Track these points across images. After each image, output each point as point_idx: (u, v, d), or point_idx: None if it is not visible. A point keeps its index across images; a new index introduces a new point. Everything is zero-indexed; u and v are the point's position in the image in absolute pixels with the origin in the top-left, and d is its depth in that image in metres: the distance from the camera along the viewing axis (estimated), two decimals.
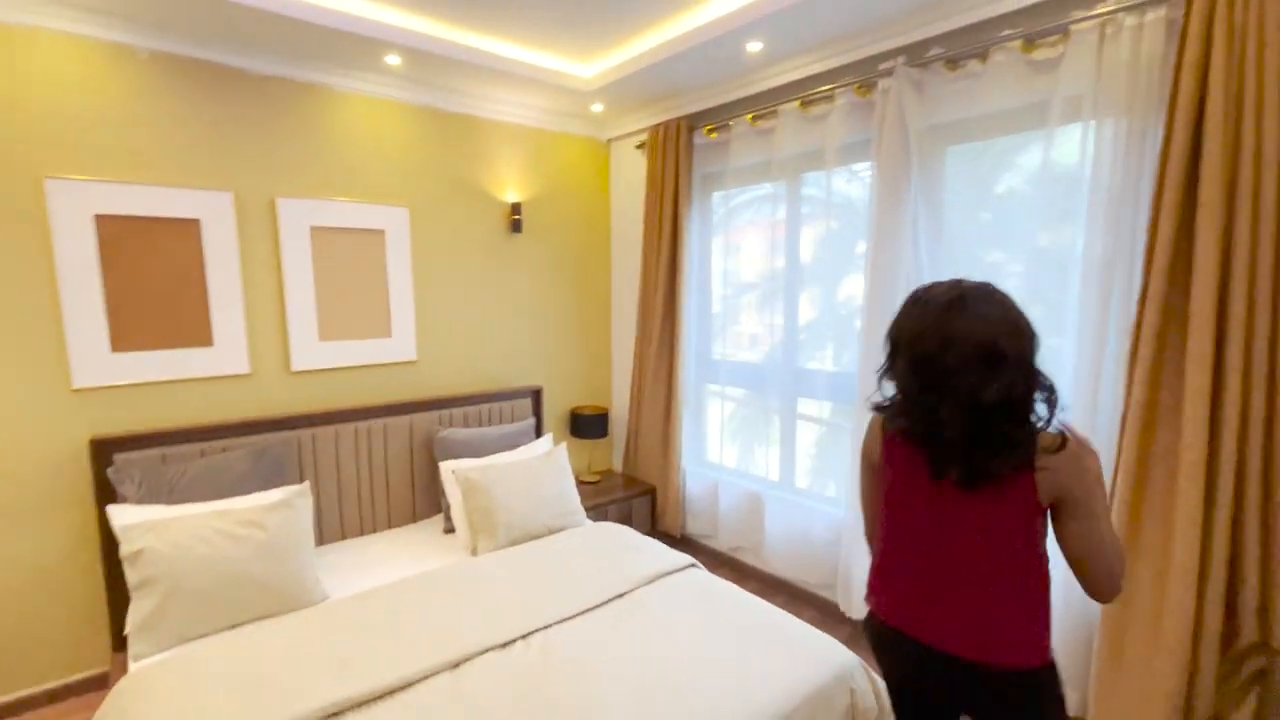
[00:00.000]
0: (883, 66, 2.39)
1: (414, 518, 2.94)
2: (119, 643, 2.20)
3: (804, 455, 3.09)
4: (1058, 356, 2.04)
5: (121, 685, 1.69)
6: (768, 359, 3.11)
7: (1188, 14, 1.69)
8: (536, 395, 3.41)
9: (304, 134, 2.68)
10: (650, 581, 2.23)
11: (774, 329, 3.04)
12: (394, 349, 2.99)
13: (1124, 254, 1.91)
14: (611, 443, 3.96)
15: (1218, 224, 1.65)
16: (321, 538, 2.63)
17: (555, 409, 3.68)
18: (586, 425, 3.62)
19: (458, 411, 3.07)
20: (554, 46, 2.84)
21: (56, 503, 2.25)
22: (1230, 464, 1.67)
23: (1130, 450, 1.82)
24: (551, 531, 2.66)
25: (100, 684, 2.34)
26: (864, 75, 2.49)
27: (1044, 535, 1.18)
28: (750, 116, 2.93)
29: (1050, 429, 1.13)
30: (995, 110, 2.20)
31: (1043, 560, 1.18)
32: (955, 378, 1.10)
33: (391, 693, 1.62)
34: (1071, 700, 2.02)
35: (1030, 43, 2.05)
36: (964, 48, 2.19)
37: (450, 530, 2.77)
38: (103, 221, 2.26)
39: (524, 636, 1.88)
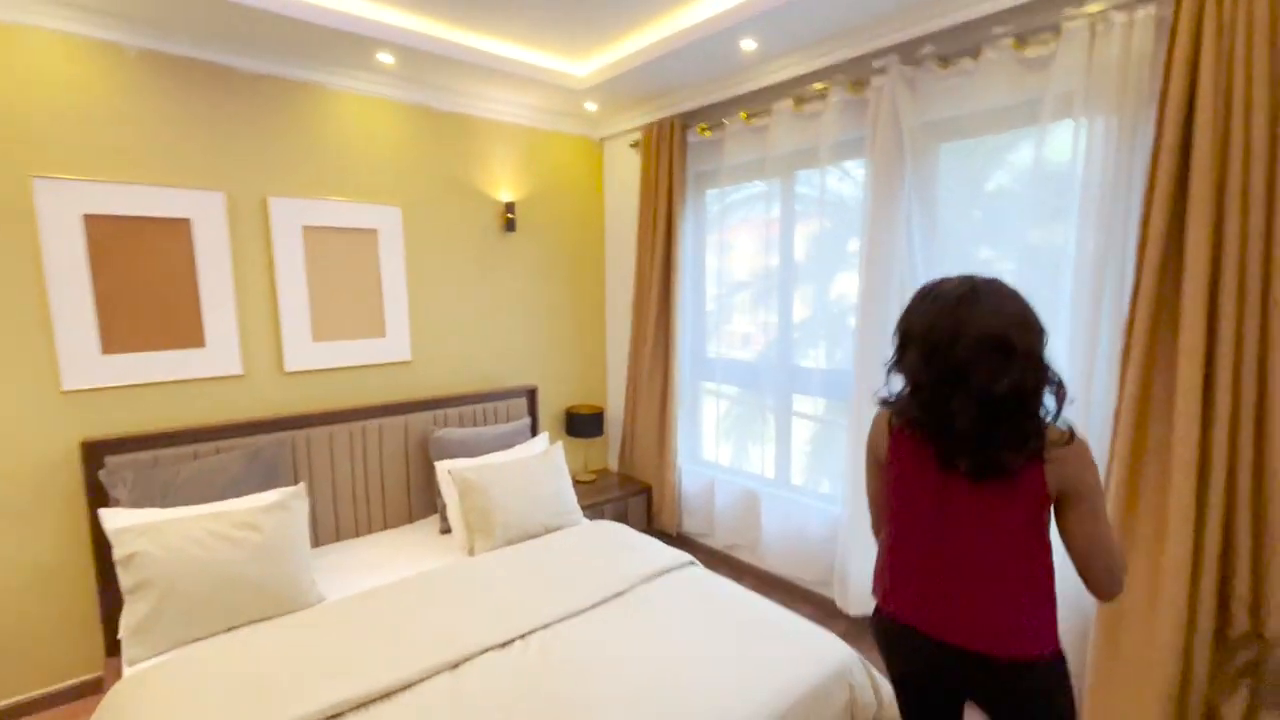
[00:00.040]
0: (876, 64, 2.40)
1: (410, 518, 2.92)
2: (112, 647, 2.18)
3: (799, 452, 3.10)
4: (1050, 353, 2.05)
5: (117, 689, 1.67)
6: (762, 356, 3.11)
7: (1177, 12, 1.71)
8: (532, 395, 3.40)
9: (296, 133, 2.66)
10: (648, 579, 2.23)
11: (768, 326, 3.05)
12: (388, 349, 2.97)
13: (1115, 250, 1.93)
14: (607, 442, 3.96)
15: (1208, 219, 1.67)
16: (317, 539, 2.61)
17: (550, 408, 3.67)
18: (582, 424, 3.62)
19: (453, 411, 3.06)
20: (547, 45, 2.83)
21: (47, 506, 2.22)
22: (1222, 457, 1.69)
23: (1124, 445, 1.84)
24: (549, 531, 2.65)
25: (94, 689, 2.31)
26: (857, 73, 2.50)
27: (1049, 526, 1.19)
28: (744, 114, 2.93)
29: (1058, 423, 1.14)
30: (988, 108, 2.21)
31: (1048, 550, 1.19)
32: (967, 369, 1.11)
33: (391, 694, 1.61)
34: None
35: (1022, 40, 2.07)
36: (956, 45, 2.21)
37: (447, 530, 2.76)
38: (92, 221, 2.24)
39: (523, 636, 1.88)
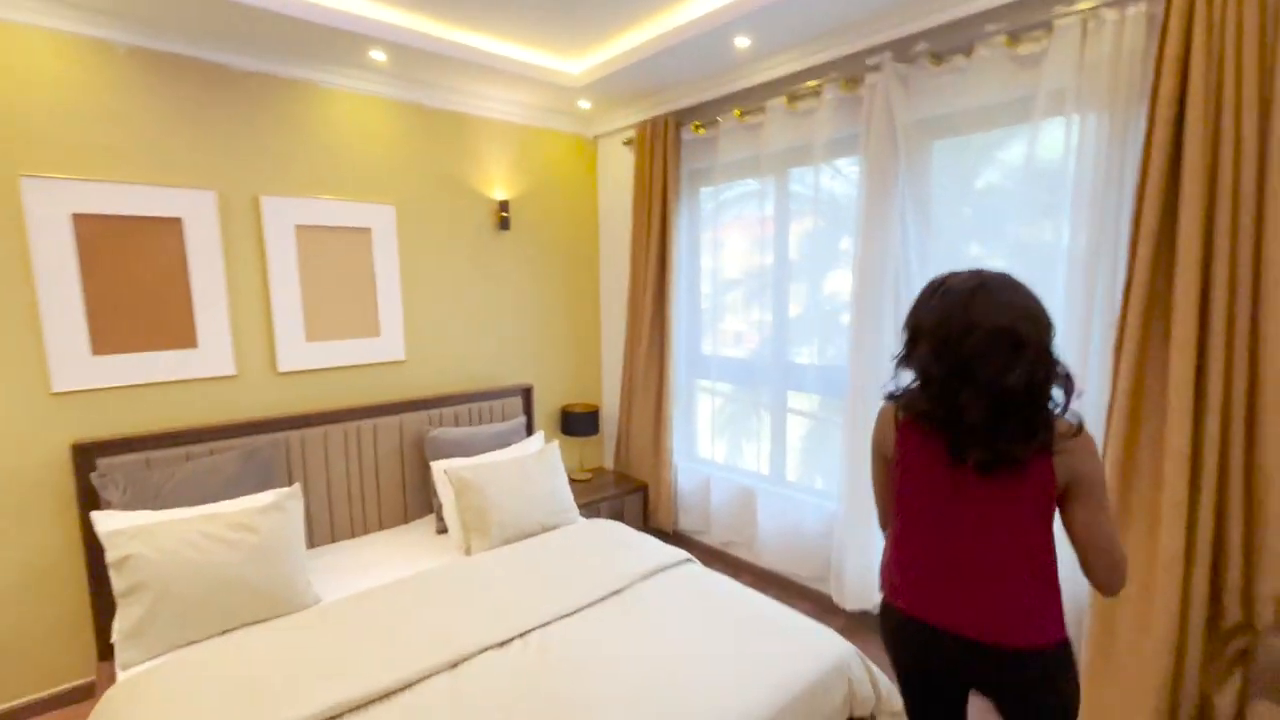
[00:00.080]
0: (870, 61, 2.40)
1: (405, 519, 2.91)
2: (105, 651, 2.16)
3: (795, 449, 3.11)
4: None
5: (111, 693, 1.65)
6: (757, 354, 3.12)
7: (1168, 9, 1.73)
8: (527, 393, 3.39)
9: (288, 131, 2.63)
10: (646, 577, 2.23)
11: (763, 324, 3.06)
12: (382, 348, 2.96)
13: (1108, 246, 1.95)
14: (602, 440, 3.96)
15: (1199, 215, 1.69)
16: (312, 540, 2.59)
17: (545, 407, 3.66)
18: (577, 423, 3.61)
19: (448, 411, 3.05)
20: (541, 42, 2.82)
21: (37, 509, 2.19)
22: (1214, 449, 1.71)
23: (1117, 439, 1.86)
24: (545, 529, 2.65)
25: (86, 694, 2.29)
26: (851, 70, 2.51)
27: (1055, 518, 1.21)
28: (738, 112, 2.93)
29: (1066, 415, 1.16)
30: (981, 105, 2.23)
31: (1053, 541, 1.21)
32: (978, 362, 1.12)
33: (390, 695, 1.61)
34: None
35: (1014, 38, 2.08)
36: (949, 42, 2.22)
37: (443, 530, 2.75)
38: (81, 221, 2.21)
39: (522, 635, 1.87)
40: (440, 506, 2.72)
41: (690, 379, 3.50)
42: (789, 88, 2.74)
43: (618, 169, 3.65)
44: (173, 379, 2.42)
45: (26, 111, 2.11)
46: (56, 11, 2.11)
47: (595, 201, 3.83)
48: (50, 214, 2.15)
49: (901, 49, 2.35)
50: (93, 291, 2.25)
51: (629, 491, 3.50)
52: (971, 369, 1.13)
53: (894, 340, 2.48)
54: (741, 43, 2.61)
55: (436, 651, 1.75)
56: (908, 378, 1.30)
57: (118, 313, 2.30)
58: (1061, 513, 1.20)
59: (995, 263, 2.27)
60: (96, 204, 2.23)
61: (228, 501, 2.19)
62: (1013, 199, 2.21)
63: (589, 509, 3.20)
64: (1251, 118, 1.62)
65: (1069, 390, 1.16)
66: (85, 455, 2.17)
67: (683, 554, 2.41)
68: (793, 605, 2.12)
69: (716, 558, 3.32)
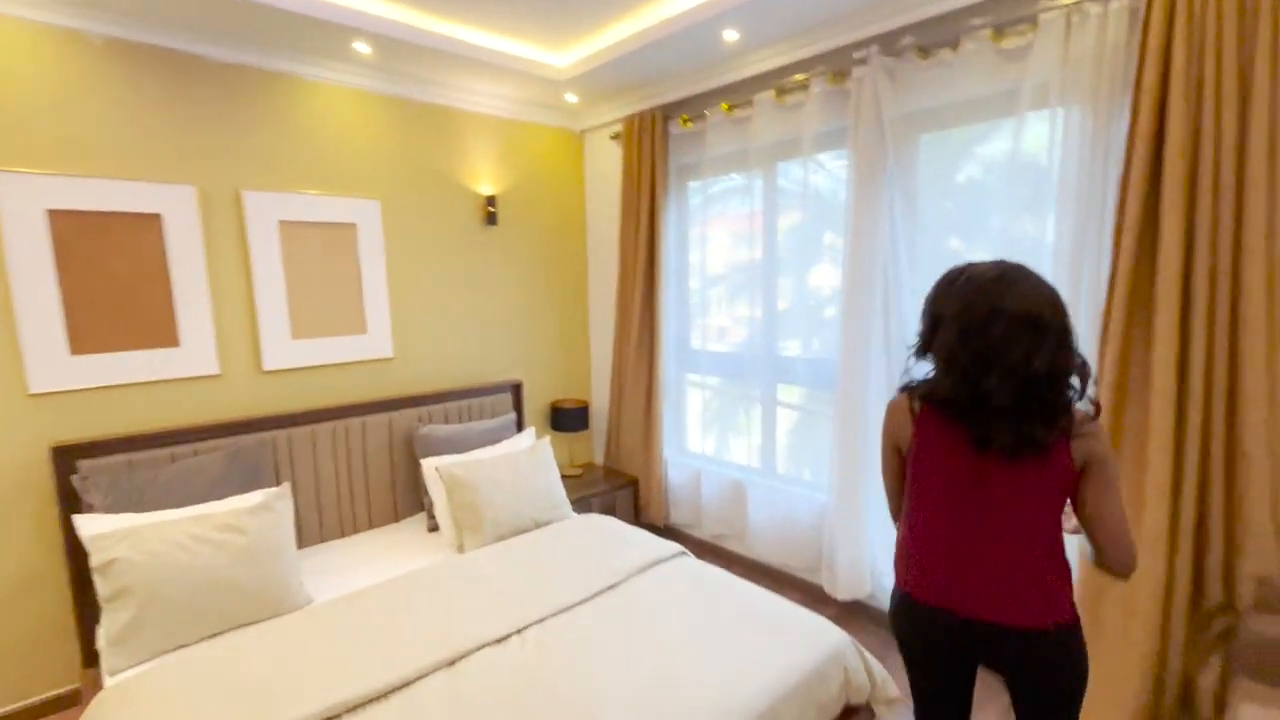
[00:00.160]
0: (857, 55, 2.41)
1: (396, 517, 2.88)
2: (89, 658, 2.12)
3: (785, 441, 3.13)
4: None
5: (101, 699, 1.62)
6: (747, 347, 3.13)
7: (1149, 3, 1.76)
8: (517, 390, 3.38)
9: (270, 125, 2.58)
10: (641, 571, 2.24)
11: (752, 317, 3.07)
12: (369, 345, 2.92)
13: (1092, 237, 1.98)
14: (592, 435, 3.95)
15: (1181, 206, 1.73)
16: (301, 540, 2.55)
17: (534, 403, 3.65)
18: (567, 419, 3.60)
19: (437, 408, 3.02)
20: (527, 35, 2.79)
21: (16, 513, 2.14)
22: (1196, 436, 1.75)
23: (1103, 426, 1.89)
24: (539, 525, 2.64)
25: (71, 702, 2.24)
26: (838, 64, 2.52)
27: (1066, 501, 1.25)
28: (726, 106, 2.93)
29: (1082, 400, 1.19)
30: (967, 98, 2.25)
31: (1061, 524, 1.25)
32: (1004, 348, 1.15)
33: (388, 694, 1.59)
34: None
35: (999, 32, 2.10)
36: (936, 36, 2.24)
37: (434, 528, 2.72)
38: (56, 217, 2.15)
39: (519, 631, 1.87)
40: (431, 504, 2.70)
41: (680, 373, 3.50)
42: (777, 81, 2.75)
43: (605, 163, 3.63)
44: (154, 379, 2.37)
45: None
46: (29, 1, 2.04)
47: (583, 196, 3.81)
48: (24, 210, 2.09)
49: (888, 43, 2.36)
50: (70, 290, 2.19)
51: (620, 486, 3.50)
52: (997, 354, 1.15)
53: (883, 332, 2.52)
54: (730, 36, 2.60)
55: (434, 649, 1.74)
56: (921, 370, 1.32)
57: (96, 311, 2.24)
58: (1074, 496, 1.23)
59: (981, 254, 2.30)
60: (72, 199, 2.17)
61: (215, 502, 2.15)
62: (998, 192, 2.24)
63: (580, 504, 3.19)
64: (1231, 108, 1.66)
65: (1084, 376, 1.19)
66: (65, 458, 2.12)
67: (676, 547, 2.42)
68: (785, 596, 2.14)
69: (708, 551, 3.34)
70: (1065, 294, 1.96)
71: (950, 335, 1.21)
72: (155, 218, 2.33)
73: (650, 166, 3.22)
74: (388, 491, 2.85)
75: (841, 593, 2.68)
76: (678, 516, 3.53)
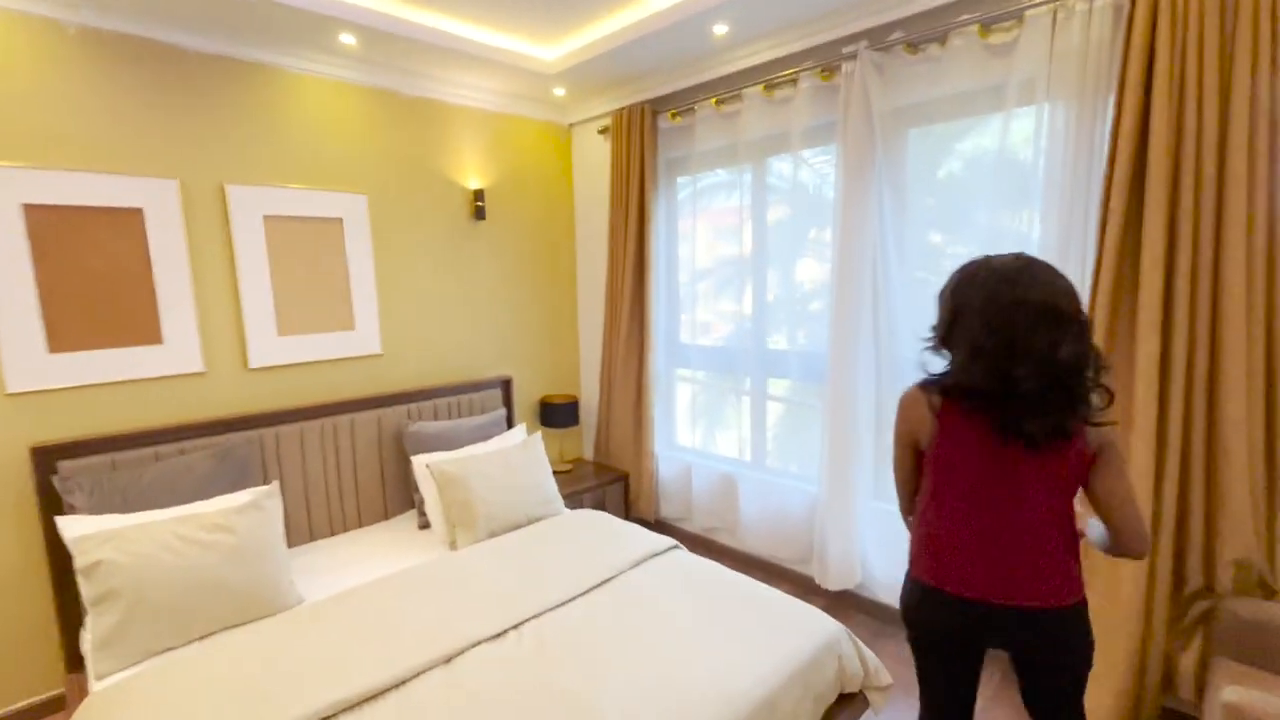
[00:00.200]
0: (846, 50, 2.43)
1: (386, 515, 2.86)
2: (74, 663, 2.08)
3: (774, 434, 3.16)
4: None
5: (89, 703, 1.58)
6: (736, 341, 3.15)
7: (1134, 1, 1.79)
8: (506, 385, 3.36)
9: (254, 118, 2.53)
10: (635, 565, 2.24)
11: (741, 311, 3.08)
12: (357, 342, 2.89)
13: (1077, 231, 2.02)
14: (582, 431, 3.95)
15: (1164, 200, 1.76)
16: (290, 540, 2.52)
17: (524, 398, 3.63)
18: (556, 414, 3.59)
19: (426, 404, 3.00)
20: (515, 28, 2.77)
21: None
22: (1178, 427, 1.80)
23: None
24: (531, 521, 2.63)
25: (56, 707, 2.20)
26: (827, 58, 2.53)
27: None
28: (714, 100, 2.94)
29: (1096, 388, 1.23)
30: (955, 93, 2.28)
31: (1074, 505, 1.30)
32: (1029, 336, 1.18)
33: (385, 692, 1.58)
34: None
35: (986, 27, 2.13)
36: (924, 31, 2.26)
37: (425, 526, 2.71)
38: (32, 211, 2.09)
39: (516, 626, 1.87)
40: (421, 501, 2.68)
41: (669, 368, 3.51)
42: (766, 76, 2.75)
43: (594, 157, 3.62)
44: (137, 377, 2.32)
45: None
46: None
47: (571, 190, 3.79)
48: None
49: (877, 37, 2.38)
50: (47, 286, 2.13)
51: (610, 481, 3.50)
52: (1024, 343, 1.18)
53: (871, 325, 2.54)
54: (719, 30, 2.60)
55: (430, 647, 1.73)
56: (940, 362, 1.34)
57: (76, 308, 2.19)
58: (1086, 483, 1.27)
59: (968, 248, 2.34)
60: (49, 193, 2.11)
61: (202, 502, 2.11)
62: (985, 186, 2.27)
63: (571, 500, 3.19)
64: (1212, 106, 1.70)
65: (1100, 365, 1.22)
66: (46, 458, 2.07)
67: (670, 541, 2.43)
68: (776, 587, 2.16)
69: (699, 544, 3.36)
70: None
71: (977, 325, 1.23)
72: (137, 212, 2.28)
73: (639, 161, 3.22)
74: (377, 489, 2.82)
75: (832, 583, 2.71)
76: (668, 510, 3.54)
